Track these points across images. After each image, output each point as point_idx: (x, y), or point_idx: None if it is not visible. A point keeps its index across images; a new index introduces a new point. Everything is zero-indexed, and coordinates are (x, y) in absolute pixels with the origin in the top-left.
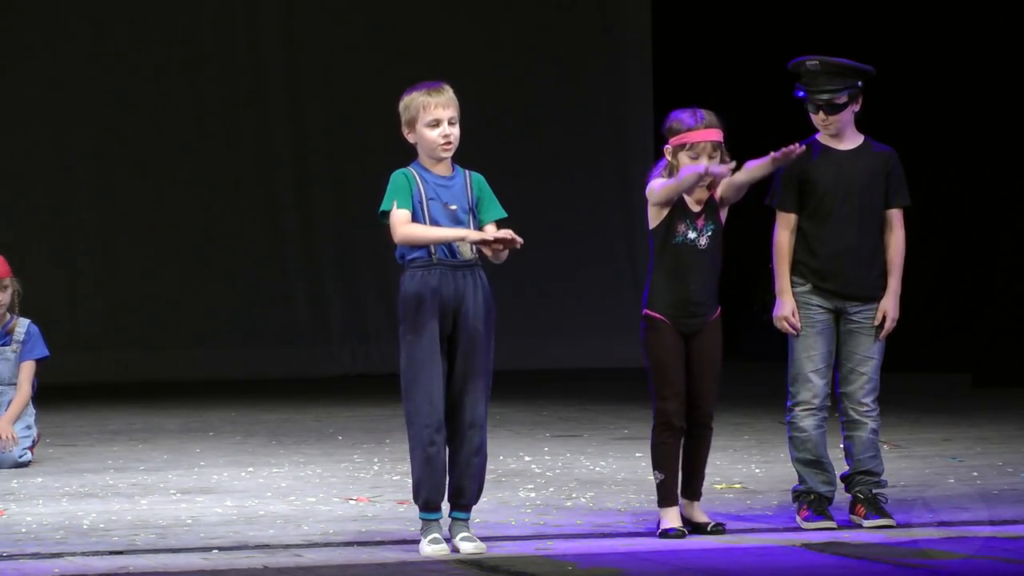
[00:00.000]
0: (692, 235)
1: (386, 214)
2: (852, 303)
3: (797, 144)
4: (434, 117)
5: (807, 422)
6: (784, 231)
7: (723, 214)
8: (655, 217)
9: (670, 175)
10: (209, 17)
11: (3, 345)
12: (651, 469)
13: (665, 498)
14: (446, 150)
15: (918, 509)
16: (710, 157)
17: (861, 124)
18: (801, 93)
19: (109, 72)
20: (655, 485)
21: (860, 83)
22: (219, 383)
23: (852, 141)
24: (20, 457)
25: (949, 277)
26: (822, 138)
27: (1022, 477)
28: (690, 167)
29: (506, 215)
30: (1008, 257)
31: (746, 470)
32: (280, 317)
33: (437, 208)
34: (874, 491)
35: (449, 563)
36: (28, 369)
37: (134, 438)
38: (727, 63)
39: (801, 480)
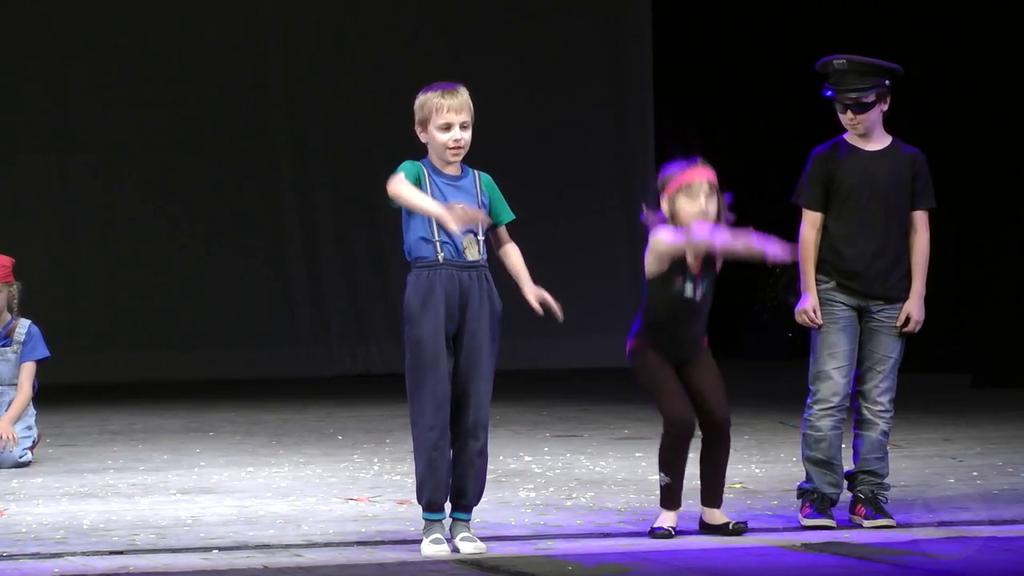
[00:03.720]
0: (689, 289)
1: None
2: (875, 302)
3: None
4: (446, 121)
5: (824, 422)
6: (810, 229)
7: (719, 263)
8: (654, 268)
9: (672, 224)
10: (210, 18)
11: (4, 346)
12: (656, 470)
13: (668, 501)
14: (455, 155)
15: (918, 509)
16: (707, 197)
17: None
18: (829, 92)
19: (109, 72)
20: (659, 486)
21: (888, 82)
22: (219, 383)
23: (880, 142)
24: (20, 457)
25: (949, 277)
26: (850, 138)
27: (1022, 477)
28: (702, 229)
29: (514, 217)
30: (1008, 257)
31: (746, 470)
32: (280, 317)
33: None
34: (875, 491)
35: (449, 563)
36: (29, 370)
37: (134, 438)
38: (727, 63)
39: (808, 478)
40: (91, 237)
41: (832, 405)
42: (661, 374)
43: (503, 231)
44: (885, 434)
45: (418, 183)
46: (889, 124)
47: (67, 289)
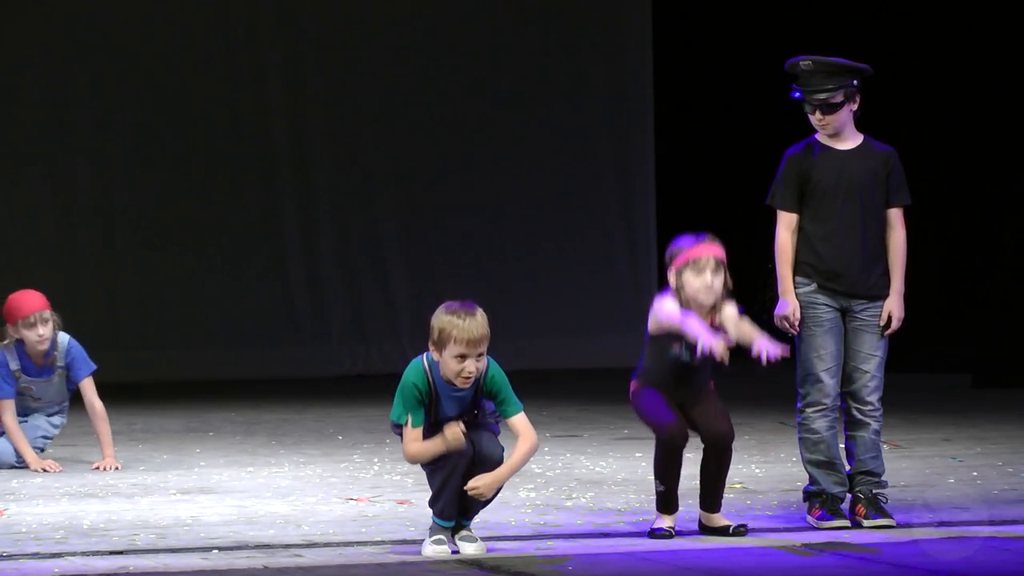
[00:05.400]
0: (686, 357)
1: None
2: (857, 301)
3: (780, 353)
4: (461, 353)
5: (819, 423)
6: (785, 231)
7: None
8: (655, 330)
9: (678, 297)
10: (209, 18)
11: (49, 375)
12: (652, 475)
13: (664, 507)
14: (465, 383)
15: (918, 509)
16: (713, 273)
17: (861, 123)
18: (797, 94)
19: (109, 72)
20: (655, 492)
21: (856, 82)
22: (219, 383)
23: (852, 141)
24: (18, 461)
25: (949, 277)
26: (822, 138)
27: (1022, 477)
28: (698, 327)
29: (521, 409)
30: (1008, 257)
31: (746, 470)
32: (280, 317)
33: (440, 414)
34: (874, 491)
35: (449, 563)
36: (89, 387)
37: (134, 438)
38: (727, 63)
39: (813, 481)
40: (91, 237)
41: (825, 406)
42: (661, 403)
43: (513, 424)
44: (877, 433)
45: (421, 398)
46: (892, 122)
47: (67, 289)
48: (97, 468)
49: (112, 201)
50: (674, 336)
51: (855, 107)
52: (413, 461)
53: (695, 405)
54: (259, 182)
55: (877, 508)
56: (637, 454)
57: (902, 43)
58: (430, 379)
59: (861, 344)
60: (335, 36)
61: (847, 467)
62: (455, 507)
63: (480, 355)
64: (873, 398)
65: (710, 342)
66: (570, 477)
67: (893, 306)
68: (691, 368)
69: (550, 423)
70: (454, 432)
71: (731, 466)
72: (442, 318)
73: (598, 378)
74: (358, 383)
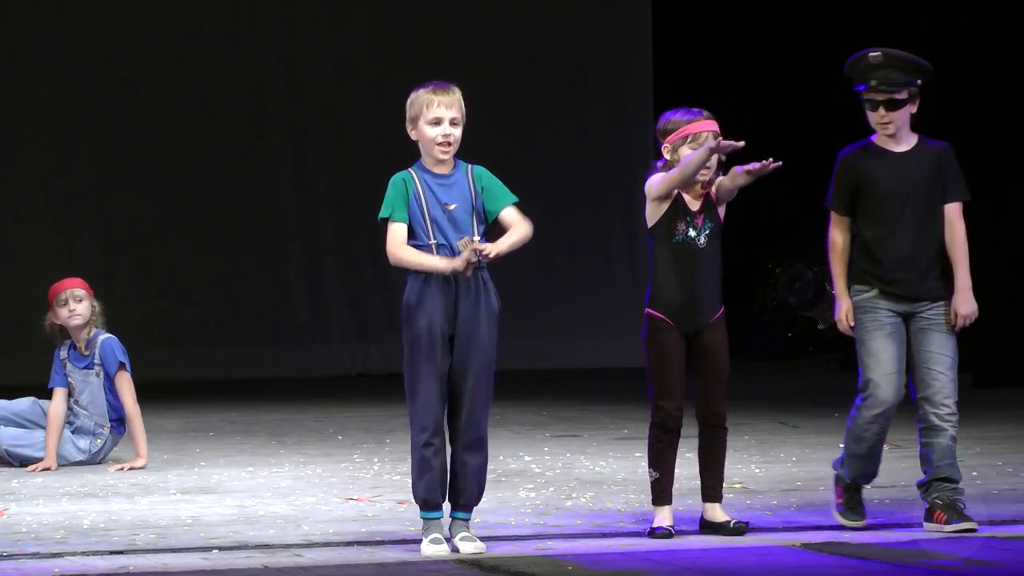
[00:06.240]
0: (692, 233)
1: (384, 220)
2: (920, 304)
3: (771, 159)
4: (436, 116)
5: (872, 427)
6: (837, 232)
7: (721, 212)
8: (654, 214)
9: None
10: (210, 18)
11: (87, 368)
12: (647, 467)
13: (659, 497)
14: (444, 151)
15: (918, 509)
16: None
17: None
18: (861, 87)
19: (110, 73)
20: (649, 483)
21: (919, 82)
22: (219, 383)
23: (907, 142)
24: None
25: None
26: (879, 140)
27: (1022, 477)
28: (692, 153)
29: (516, 200)
30: (1008, 257)
31: (746, 470)
32: (280, 317)
33: (436, 208)
34: (953, 497)
35: (449, 563)
36: (121, 384)
37: None
38: (727, 63)
39: (843, 464)
40: (90, 238)
41: (879, 412)
42: (667, 362)
43: (507, 216)
44: (953, 439)
45: (406, 191)
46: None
47: None
48: (122, 469)
49: (111, 201)
50: (676, 215)
51: (914, 109)
52: (395, 263)
53: (701, 354)
54: (259, 182)
55: (958, 513)
56: (637, 454)
57: (901, 42)
58: (415, 175)
59: (930, 344)
60: (334, 36)
61: (923, 474)
62: (438, 495)
63: (455, 121)
64: (949, 402)
65: (714, 144)
66: (570, 477)
67: (960, 302)
68: (697, 252)
69: (550, 423)
70: (463, 256)
71: (732, 466)
72: (413, 94)
73: (598, 378)
74: (358, 383)
